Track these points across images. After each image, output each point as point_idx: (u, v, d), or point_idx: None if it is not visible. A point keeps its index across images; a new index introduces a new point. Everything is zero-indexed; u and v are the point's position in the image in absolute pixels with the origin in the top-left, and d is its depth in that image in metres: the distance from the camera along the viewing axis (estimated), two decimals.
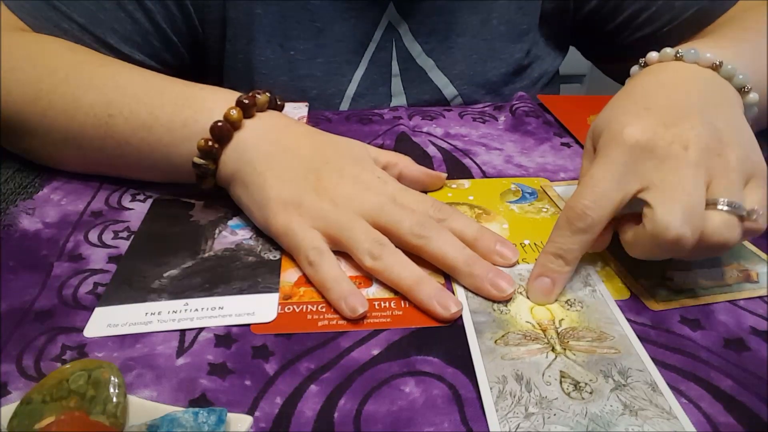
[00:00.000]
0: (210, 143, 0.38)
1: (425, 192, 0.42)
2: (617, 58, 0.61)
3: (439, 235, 0.34)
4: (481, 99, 0.62)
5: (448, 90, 0.61)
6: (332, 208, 0.36)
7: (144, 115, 0.40)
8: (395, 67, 0.60)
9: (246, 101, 0.39)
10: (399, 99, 0.61)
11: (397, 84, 0.61)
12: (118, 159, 0.42)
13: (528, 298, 0.33)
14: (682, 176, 0.31)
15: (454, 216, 0.37)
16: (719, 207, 0.31)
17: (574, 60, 0.72)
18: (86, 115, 0.41)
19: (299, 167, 0.38)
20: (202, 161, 0.38)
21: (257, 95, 0.40)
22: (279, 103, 0.43)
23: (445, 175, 0.44)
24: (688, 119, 0.33)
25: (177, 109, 0.40)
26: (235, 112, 0.38)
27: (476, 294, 0.33)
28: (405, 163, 0.43)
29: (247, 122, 0.39)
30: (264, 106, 0.40)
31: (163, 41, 0.55)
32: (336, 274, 0.33)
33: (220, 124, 0.38)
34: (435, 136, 0.53)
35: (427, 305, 0.32)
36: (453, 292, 0.34)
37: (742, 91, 0.37)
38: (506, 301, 0.33)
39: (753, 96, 0.37)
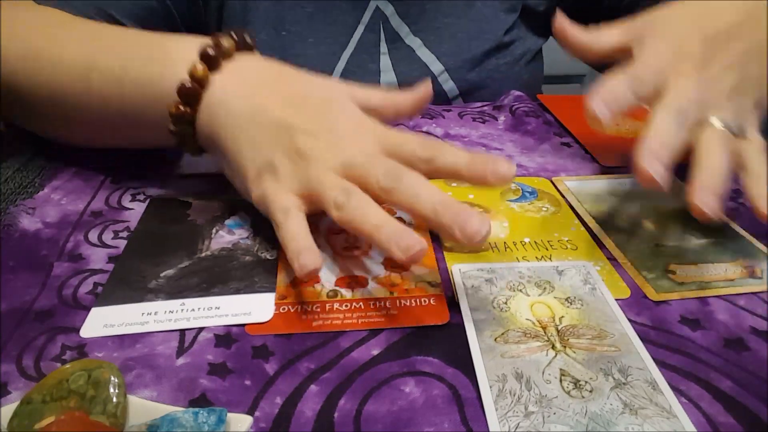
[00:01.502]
0: (181, 108, 0.37)
1: None
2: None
3: (408, 184, 0.32)
4: (467, 74, 0.64)
5: (435, 66, 0.63)
6: (305, 168, 0.34)
7: (117, 69, 0.39)
8: (383, 47, 0.62)
9: (211, 52, 0.37)
10: (388, 75, 0.63)
11: (385, 61, 0.62)
12: (100, 121, 0.42)
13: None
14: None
15: (442, 151, 0.34)
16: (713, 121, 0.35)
17: (574, 60, 0.71)
18: (68, 70, 0.41)
19: (271, 128, 0.36)
20: (177, 128, 0.38)
21: (222, 42, 0.38)
22: (249, 41, 0.40)
23: (429, 89, 0.40)
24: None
25: (145, 62, 0.39)
26: (200, 67, 0.37)
27: (475, 293, 0.33)
28: (395, 102, 0.40)
29: (214, 78, 0.37)
30: (231, 51, 0.38)
31: (166, 18, 0.56)
32: (296, 231, 0.33)
33: (187, 86, 0.37)
34: (435, 136, 0.53)
35: (386, 248, 0.30)
36: (451, 278, 0.34)
37: None
38: (505, 301, 0.33)
39: None
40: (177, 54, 0.38)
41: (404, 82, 0.63)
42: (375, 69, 0.62)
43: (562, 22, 0.42)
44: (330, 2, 0.60)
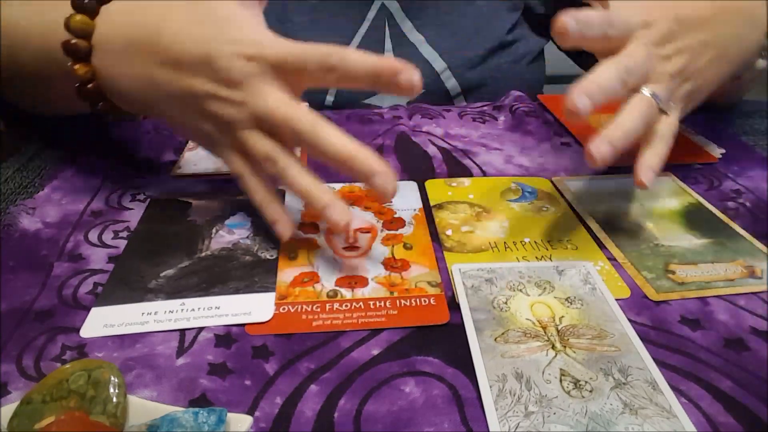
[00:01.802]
0: (78, 68, 0.37)
1: None
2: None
3: (320, 135, 0.33)
4: (468, 71, 0.64)
5: (438, 63, 0.63)
6: (227, 131, 0.35)
7: (21, 42, 0.41)
8: (388, 44, 0.62)
9: (85, 1, 0.37)
10: None
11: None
12: (31, 87, 0.45)
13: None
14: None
15: (347, 55, 0.34)
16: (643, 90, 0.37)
17: (565, 59, 0.72)
18: (5, 40, 0.42)
19: (173, 99, 0.36)
20: (82, 91, 0.38)
21: (72, 19, 0.37)
22: None
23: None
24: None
25: (42, 32, 0.40)
26: (78, 17, 0.37)
27: (475, 293, 0.33)
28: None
29: (95, 55, 0.37)
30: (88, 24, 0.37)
31: None
32: (260, 199, 0.36)
33: (73, 42, 0.37)
34: (435, 136, 0.53)
35: (322, 216, 0.34)
36: (451, 278, 0.34)
37: None
38: (505, 301, 0.33)
39: None
40: (59, 14, 0.37)
41: None
42: None
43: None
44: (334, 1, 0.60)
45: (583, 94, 0.35)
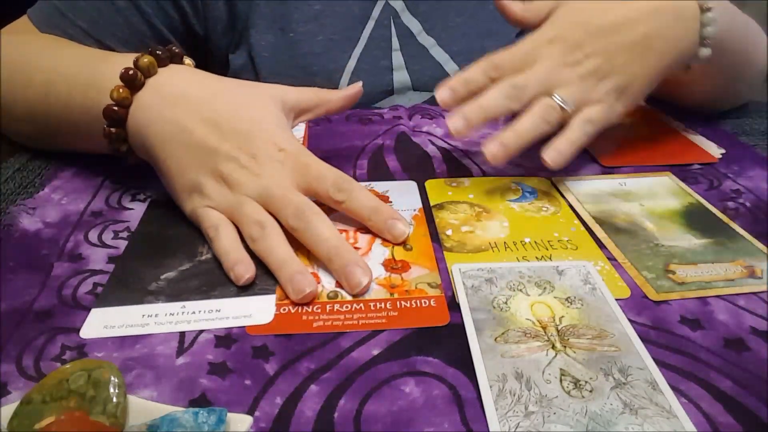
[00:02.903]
0: (111, 129, 0.40)
1: None
2: None
3: (313, 226, 0.36)
4: None
5: (449, 65, 0.62)
6: (227, 192, 0.37)
7: (65, 95, 0.43)
8: (395, 42, 0.62)
9: (131, 74, 0.39)
10: (401, 73, 0.62)
11: (398, 57, 0.62)
12: (64, 135, 0.46)
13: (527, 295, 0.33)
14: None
15: (354, 194, 0.38)
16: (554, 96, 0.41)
17: None
18: (35, 93, 0.45)
19: (195, 150, 0.38)
20: (113, 146, 0.40)
21: (140, 60, 0.39)
22: (177, 50, 0.42)
23: (359, 88, 0.46)
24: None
25: (85, 88, 0.42)
26: (121, 90, 0.39)
27: (475, 292, 0.33)
28: (324, 100, 0.44)
29: (138, 97, 0.39)
30: (152, 67, 0.40)
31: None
32: (227, 245, 0.36)
33: (111, 109, 0.39)
34: (435, 136, 0.53)
35: (284, 286, 0.34)
36: (451, 278, 0.34)
37: (702, 8, 0.44)
38: (505, 300, 0.33)
39: (711, 15, 0.44)
40: (106, 78, 0.40)
41: (418, 81, 0.62)
42: (387, 65, 0.62)
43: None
44: (338, 1, 0.59)
45: (459, 115, 0.40)
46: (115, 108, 0.39)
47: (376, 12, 0.61)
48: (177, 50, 0.42)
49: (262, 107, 0.40)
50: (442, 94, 0.41)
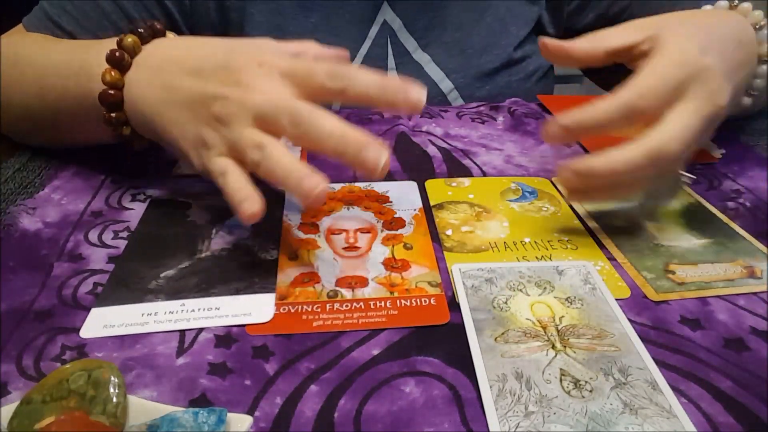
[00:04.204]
0: (111, 115, 0.39)
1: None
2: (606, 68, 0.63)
3: (312, 125, 0.33)
4: (476, 92, 0.63)
5: (445, 84, 0.62)
6: (226, 132, 0.35)
7: (60, 89, 0.43)
8: (391, 62, 0.61)
9: (117, 55, 0.39)
10: None
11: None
12: (64, 128, 0.46)
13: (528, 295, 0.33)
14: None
15: (352, 76, 0.35)
16: None
17: None
18: (29, 89, 0.45)
19: (188, 104, 0.37)
20: (116, 131, 0.40)
21: (123, 41, 0.39)
22: (158, 26, 0.42)
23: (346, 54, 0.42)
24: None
25: (78, 79, 0.42)
26: (112, 73, 0.39)
27: (475, 292, 0.33)
28: (313, 50, 0.41)
29: (128, 76, 0.39)
30: (136, 46, 0.40)
31: None
32: (235, 185, 0.34)
33: (106, 93, 0.39)
34: (435, 136, 0.53)
35: (295, 193, 0.32)
36: (451, 278, 0.34)
37: (755, 27, 0.43)
38: (505, 300, 0.33)
39: (764, 32, 0.43)
40: (95, 64, 0.40)
41: None
42: None
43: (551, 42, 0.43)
44: (335, 14, 0.59)
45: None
46: (111, 92, 0.39)
47: (374, 31, 0.60)
48: (159, 26, 0.42)
49: (241, 42, 0.39)
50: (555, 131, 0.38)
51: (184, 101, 0.37)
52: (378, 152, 0.32)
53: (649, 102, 0.36)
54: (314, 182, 0.31)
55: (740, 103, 0.45)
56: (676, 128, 0.35)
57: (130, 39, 0.39)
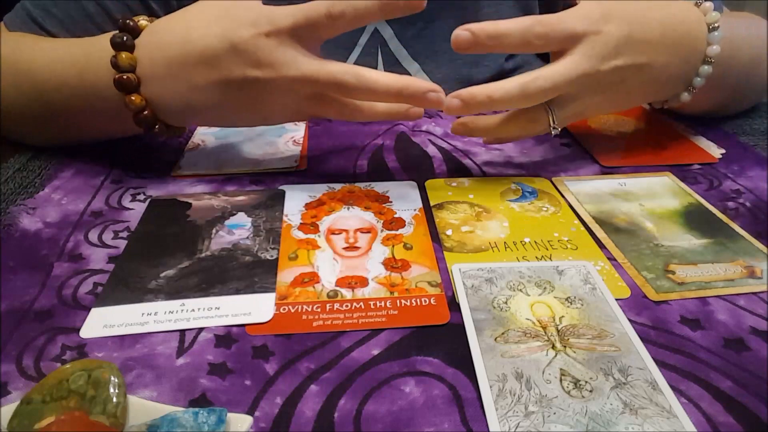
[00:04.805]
0: (129, 97, 0.40)
1: None
2: None
3: (364, 79, 0.38)
4: None
5: None
6: (287, 98, 0.41)
7: (73, 83, 0.43)
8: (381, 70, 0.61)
9: (123, 38, 0.40)
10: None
11: None
12: (87, 122, 0.46)
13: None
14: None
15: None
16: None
17: None
18: (30, 90, 0.45)
19: (218, 95, 0.40)
20: (140, 116, 0.41)
21: (128, 23, 0.41)
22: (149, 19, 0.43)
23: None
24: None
25: (96, 71, 0.41)
26: (124, 55, 0.40)
27: (475, 292, 0.33)
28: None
29: (138, 54, 0.40)
30: (136, 28, 0.41)
31: None
32: (387, 78, 0.39)
33: (125, 77, 0.40)
34: (435, 136, 0.53)
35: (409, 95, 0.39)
36: (451, 278, 0.34)
37: (710, 27, 0.44)
38: (505, 300, 0.33)
39: (716, 34, 0.44)
40: (99, 57, 0.41)
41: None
42: None
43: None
44: None
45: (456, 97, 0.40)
46: (127, 76, 0.40)
47: (364, 39, 0.60)
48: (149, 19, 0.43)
49: (224, 6, 0.40)
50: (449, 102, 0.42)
51: (211, 97, 0.39)
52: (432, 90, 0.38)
53: (543, 30, 0.40)
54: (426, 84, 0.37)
55: (678, 96, 0.47)
56: (549, 70, 0.40)
57: (124, 55, 0.40)
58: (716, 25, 0.44)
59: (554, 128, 0.42)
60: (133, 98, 0.40)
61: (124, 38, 0.40)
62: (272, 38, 0.37)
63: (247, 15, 0.38)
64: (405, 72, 0.61)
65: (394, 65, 0.61)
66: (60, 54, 0.45)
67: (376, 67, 0.61)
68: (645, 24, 0.42)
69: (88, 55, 0.42)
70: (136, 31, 0.41)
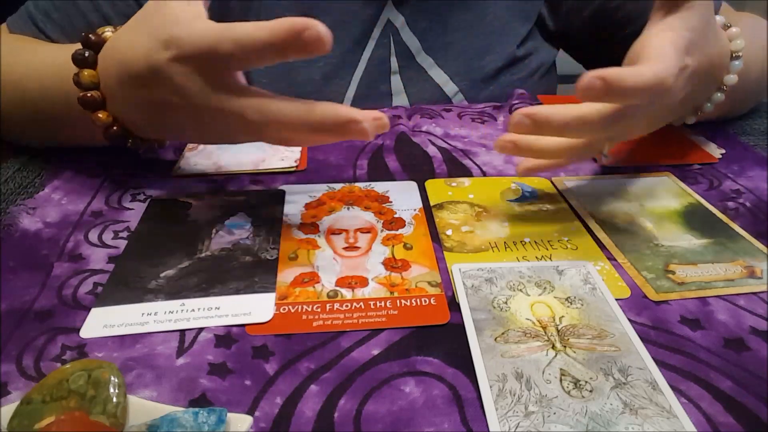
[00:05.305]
0: (95, 115, 0.40)
1: None
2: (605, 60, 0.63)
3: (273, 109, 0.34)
4: (481, 93, 0.62)
5: (449, 87, 0.62)
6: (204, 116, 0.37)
7: (52, 93, 0.43)
8: (394, 64, 0.61)
9: (85, 54, 0.39)
10: (400, 98, 0.62)
11: (396, 82, 0.61)
12: (51, 128, 0.46)
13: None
14: None
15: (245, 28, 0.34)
16: None
17: (574, 60, 0.72)
18: (14, 91, 0.45)
19: (157, 113, 0.38)
20: (111, 131, 0.40)
21: (90, 38, 0.39)
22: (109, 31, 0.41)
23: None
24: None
25: (64, 86, 0.41)
26: (86, 72, 0.39)
27: (475, 292, 0.33)
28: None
29: (101, 76, 0.39)
30: (98, 41, 0.40)
31: None
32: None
33: (89, 96, 0.39)
34: (435, 136, 0.53)
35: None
36: (451, 278, 0.34)
37: (732, 55, 0.44)
38: (505, 300, 0.33)
39: (736, 64, 0.45)
40: (70, 69, 0.40)
41: (416, 105, 0.61)
42: (386, 91, 0.61)
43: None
44: (339, 20, 0.58)
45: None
46: (90, 94, 0.39)
47: (377, 32, 0.59)
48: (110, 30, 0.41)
49: (151, 20, 0.37)
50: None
51: (156, 116, 0.38)
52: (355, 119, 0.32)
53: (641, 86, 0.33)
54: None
55: (684, 119, 0.47)
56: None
57: (86, 72, 0.39)
58: (739, 54, 0.44)
59: (605, 156, 0.42)
60: (99, 115, 0.40)
61: (86, 54, 0.39)
62: (183, 64, 0.34)
63: (161, 33, 0.35)
64: (419, 67, 0.61)
65: (407, 58, 0.61)
66: (47, 61, 0.45)
67: (389, 62, 0.60)
68: (709, 58, 0.40)
69: (68, 63, 0.41)
70: (99, 46, 0.40)
